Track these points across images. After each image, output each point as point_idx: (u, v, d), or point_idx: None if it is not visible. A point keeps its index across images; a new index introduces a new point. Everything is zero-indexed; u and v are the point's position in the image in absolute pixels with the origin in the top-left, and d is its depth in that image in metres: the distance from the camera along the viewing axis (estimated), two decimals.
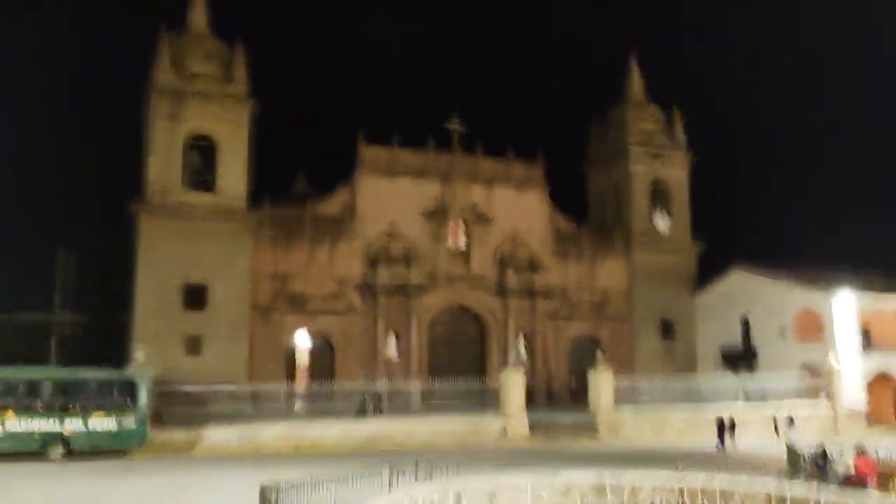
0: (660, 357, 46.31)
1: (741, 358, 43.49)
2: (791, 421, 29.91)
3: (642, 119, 49.68)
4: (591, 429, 31.01)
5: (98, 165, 60.31)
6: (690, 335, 47.72)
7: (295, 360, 39.04)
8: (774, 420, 31.05)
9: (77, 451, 22.36)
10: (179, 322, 35.65)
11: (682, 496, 9.50)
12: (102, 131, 66.05)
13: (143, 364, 25.31)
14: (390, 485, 10.53)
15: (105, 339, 44.15)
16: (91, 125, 71.19)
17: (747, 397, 35.09)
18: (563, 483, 9.64)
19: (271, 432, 26.56)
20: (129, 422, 22.78)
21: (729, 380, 37.11)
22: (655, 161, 48.92)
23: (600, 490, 9.64)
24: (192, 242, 36.24)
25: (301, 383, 35.92)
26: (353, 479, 10.42)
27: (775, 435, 30.14)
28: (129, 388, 23.14)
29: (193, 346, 35.76)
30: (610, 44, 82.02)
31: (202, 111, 37.46)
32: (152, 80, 37.00)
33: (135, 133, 41.75)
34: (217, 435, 25.82)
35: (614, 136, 50.50)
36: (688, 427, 32.54)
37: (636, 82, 51.46)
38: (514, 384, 30.28)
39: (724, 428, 28.68)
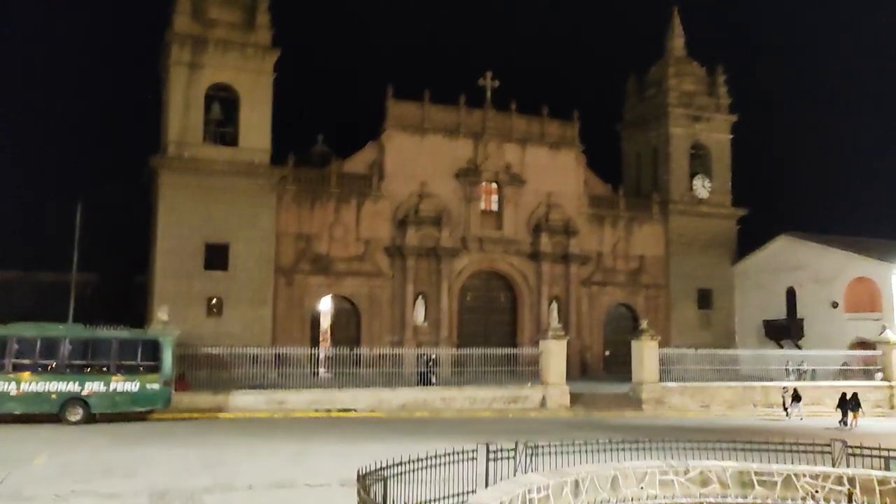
0: (696, 327, 44.72)
1: (786, 330, 41.76)
2: (797, 396, 28.48)
3: (683, 78, 47.35)
4: (635, 401, 29.63)
5: (116, 121, 58.95)
6: (728, 305, 46.04)
7: (319, 324, 37.89)
8: (783, 395, 29.53)
9: (97, 413, 21.18)
10: (200, 282, 34.32)
11: (853, 489, 7.91)
12: (120, 86, 64.34)
13: (165, 323, 24.00)
14: (487, 471, 9.01)
15: (123, 299, 43.18)
16: (109, 79, 69.50)
17: (800, 373, 33.46)
18: (697, 471, 8.11)
19: (300, 397, 25.37)
20: (153, 383, 21.52)
21: (775, 353, 35.44)
22: (696, 123, 46.73)
23: (745, 480, 8.09)
24: (213, 200, 34.76)
25: (326, 347, 34.70)
26: (442, 462, 8.88)
27: (785, 412, 28.72)
28: (153, 349, 21.85)
29: (215, 307, 34.49)
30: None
31: (223, 60, 35.67)
32: (171, 27, 35.21)
33: (154, 88, 40.22)
34: (244, 399, 24.64)
35: (653, 96, 48.29)
36: (737, 400, 31.18)
37: (678, 39, 48.97)
38: (555, 353, 28.84)
39: (848, 403, 26.90)
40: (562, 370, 28.89)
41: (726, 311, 45.96)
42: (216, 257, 34.72)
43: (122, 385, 21.18)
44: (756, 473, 8.32)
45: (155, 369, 21.67)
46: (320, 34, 69.24)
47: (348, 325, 37.73)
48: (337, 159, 38.80)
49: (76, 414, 20.75)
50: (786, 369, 33.48)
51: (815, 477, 8.32)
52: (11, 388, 20.24)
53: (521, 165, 41.49)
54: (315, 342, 36.53)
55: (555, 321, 31.08)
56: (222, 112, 36.18)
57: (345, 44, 72.95)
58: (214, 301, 34.52)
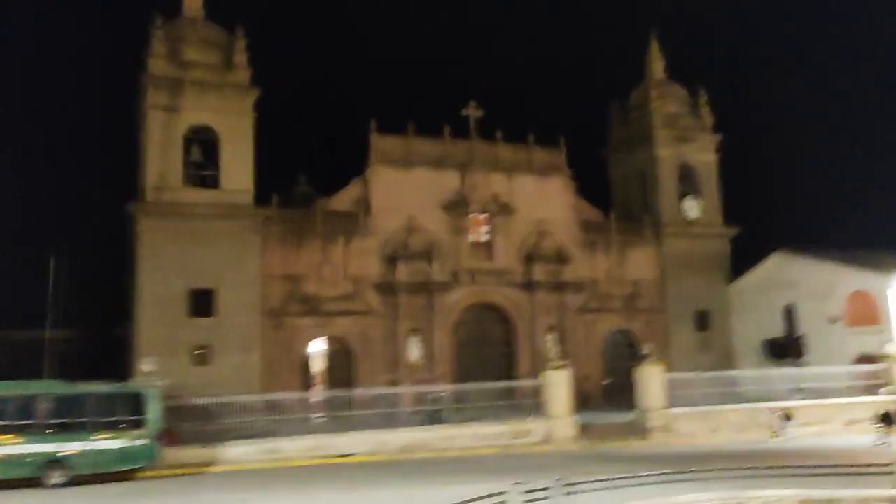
0: (696, 350, 43.90)
1: (787, 349, 41.04)
2: (787, 417, 27.64)
3: (666, 101, 47.36)
4: (641, 429, 28.62)
5: (89, 168, 57.92)
6: (727, 326, 45.34)
7: (310, 367, 36.73)
8: (771, 415, 28.56)
9: (79, 475, 19.88)
10: (186, 331, 33.17)
11: None
12: (93, 131, 63.48)
13: (150, 374, 22.83)
14: None
15: (104, 354, 41.71)
16: (82, 124, 68.64)
17: (803, 391, 32.63)
18: (759, 502, 7.26)
19: (295, 445, 24.17)
20: (138, 440, 20.29)
21: (781, 372, 34.61)
22: (682, 144, 46.55)
23: None
24: (196, 244, 33.81)
25: (319, 391, 33.55)
26: None
27: (770, 433, 27.80)
28: (137, 402, 20.68)
29: (201, 356, 33.28)
30: (628, 22, 79.73)
31: (201, 101, 35.06)
32: (146, 69, 34.60)
33: (129, 131, 39.45)
34: (236, 450, 23.42)
35: (637, 120, 48.24)
36: (745, 423, 30.18)
37: (657, 63, 49.14)
38: (557, 384, 27.88)
39: (890, 420, 25.82)
40: (565, 401, 27.91)
41: (725, 332, 45.24)
42: (201, 303, 33.65)
43: (105, 443, 19.96)
44: (829, 502, 7.45)
45: (140, 424, 20.48)
46: (298, 71, 69.07)
47: (341, 367, 36.54)
48: (321, 197, 37.95)
49: (55, 477, 19.44)
50: (790, 389, 32.62)
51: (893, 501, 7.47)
52: None
53: (510, 194, 40.93)
54: (308, 386, 35.41)
55: (552, 351, 30.18)
56: (202, 154, 35.45)
57: (324, 80, 72.75)
58: (201, 349, 33.34)
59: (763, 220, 53.91)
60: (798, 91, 77.75)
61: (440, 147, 40.07)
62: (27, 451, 19.28)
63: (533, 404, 28.80)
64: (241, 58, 36.28)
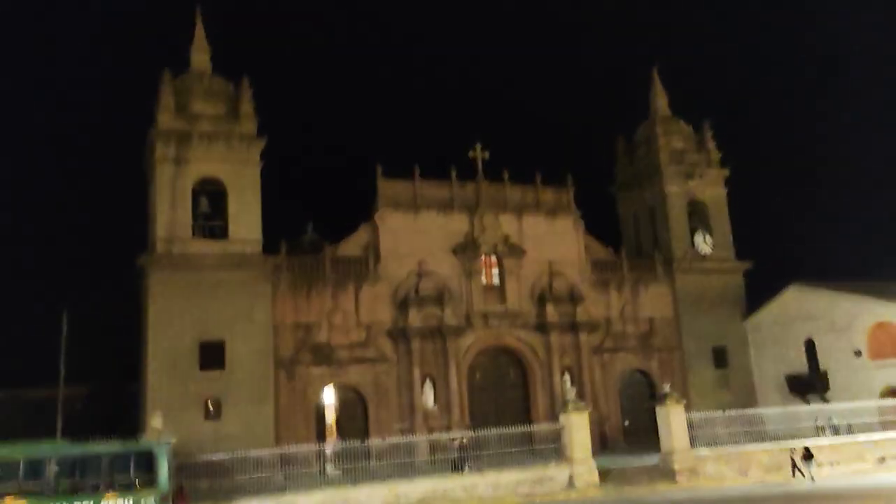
0: (715, 388, 43.03)
1: (811, 384, 40.11)
2: (808, 455, 26.49)
3: (672, 137, 47.39)
4: (667, 472, 27.68)
5: (99, 223, 58.10)
6: (745, 362, 44.49)
7: (324, 417, 36.03)
8: (791, 455, 27.40)
9: None
10: (196, 384, 32.68)
11: None
12: (101, 188, 63.99)
13: (160, 431, 22.30)
14: None
15: (116, 410, 41.13)
16: (93, 180, 69.20)
17: (836, 428, 31.76)
18: None
19: (311, 500, 23.42)
20: (148, 501, 19.67)
21: (808, 409, 33.75)
22: (690, 180, 46.39)
23: None
24: (205, 296, 33.55)
25: (333, 442, 32.78)
26: None
27: (792, 473, 26.71)
28: (147, 461, 20.11)
29: (213, 409, 32.71)
30: (630, 62, 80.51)
31: (209, 153, 35.21)
32: (155, 124, 34.83)
33: (138, 186, 39.63)
34: None
35: (643, 156, 48.25)
36: (773, 464, 29.18)
37: (660, 99, 49.36)
38: (577, 427, 27.12)
39: None
40: (586, 445, 27.12)
41: (744, 369, 44.38)
42: (212, 356, 33.22)
43: None
44: None
45: (151, 483, 19.88)
46: (302, 119, 69.83)
47: (355, 416, 35.88)
48: (330, 244, 37.71)
49: None
50: (819, 426, 31.76)
51: None
52: None
53: (520, 235, 40.69)
54: (321, 436, 34.69)
55: (569, 393, 29.43)
56: (210, 205, 35.44)
57: (328, 128, 73.52)
58: (212, 402, 32.80)
59: (775, 253, 53.46)
60: (803, 122, 77.99)
61: (447, 190, 40.00)
62: None
63: (552, 449, 28.07)
64: (247, 108, 36.55)
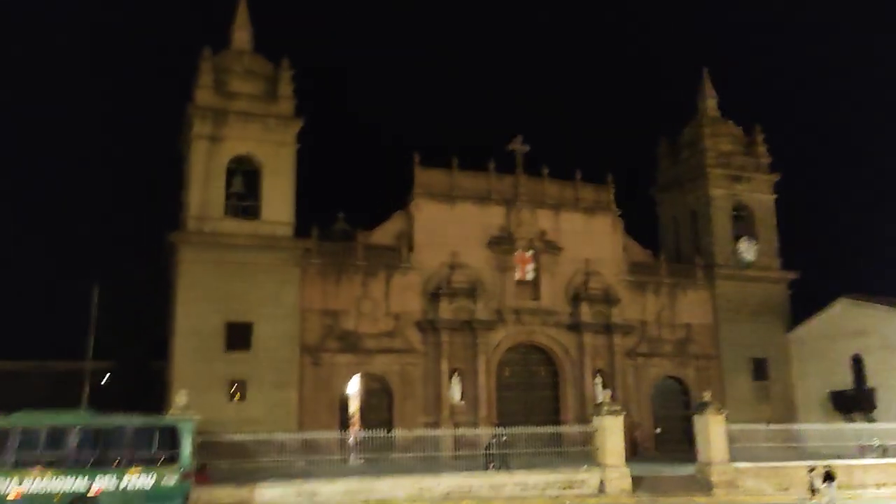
0: (753, 400, 41.77)
1: (856, 402, 38.70)
2: (829, 476, 24.62)
3: (720, 139, 46.12)
4: (704, 484, 26.69)
5: (132, 200, 58.48)
6: (786, 376, 43.13)
7: (347, 406, 35.61)
8: (809, 475, 25.52)
9: None
10: (222, 365, 32.43)
11: None
12: (136, 164, 64.34)
13: (185, 408, 21.97)
14: None
15: (141, 386, 41.17)
16: (124, 157, 69.71)
17: (884, 449, 30.47)
18: None
19: (334, 488, 22.91)
20: (170, 478, 19.27)
21: (853, 427, 32.44)
22: (737, 184, 45.13)
23: None
24: (234, 276, 33.30)
25: (356, 432, 32.35)
26: None
27: (809, 495, 24.94)
28: (171, 437, 19.71)
29: (237, 391, 32.45)
30: (679, 61, 78.89)
31: (245, 131, 34.95)
32: (193, 100, 34.65)
33: (172, 164, 39.58)
34: (271, 492, 22.24)
35: (687, 158, 47.04)
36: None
37: (710, 100, 48.13)
38: (611, 431, 26.25)
39: None
40: (620, 450, 26.24)
41: (784, 382, 43.02)
42: (238, 337, 32.96)
43: (136, 481, 18.95)
44: None
45: (173, 460, 19.49)
46: (339, 105, 69.53)
47: (379, 407, 35.38)
48: (362, 230, 37.18)
49: None
50: (863, 446, 30.50)
51: None
52: (11, 489, 18.09)
53: (557, 232, 39.84)
54: (344, 426, 34.26)
55: (603, 395, 28.56)
56: (244, 185, 35.21)
57: (366, 114, 73.13)
58: (236, 384, 32.52)
59: (824, 266, 51.85)
60: (857, 131, 75.61)
61: (485, 182, 39.30)
62: (53, 488, 18.37)
63: (582, 452, 27.31)
64: (286, 89, 36.22)
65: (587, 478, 25.67)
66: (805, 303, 43.95)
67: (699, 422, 27.73)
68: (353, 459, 29.62)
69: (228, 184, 34.68)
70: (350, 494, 22.97)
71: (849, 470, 28.81)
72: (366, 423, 34.19)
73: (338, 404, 34.50)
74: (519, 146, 40.20)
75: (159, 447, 19.51)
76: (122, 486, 18.81)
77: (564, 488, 25.21)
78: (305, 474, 23.70)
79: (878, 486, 28.74)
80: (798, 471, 28.06)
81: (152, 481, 19.08)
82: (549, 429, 27.21)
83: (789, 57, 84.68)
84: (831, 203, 67.75)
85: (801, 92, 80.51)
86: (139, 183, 60.71)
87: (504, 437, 26.31)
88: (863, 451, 30.33)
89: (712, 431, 27.18)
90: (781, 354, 43.32)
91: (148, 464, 19.21)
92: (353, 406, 35.76)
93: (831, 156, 73.74)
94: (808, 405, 41.52)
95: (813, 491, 24.66)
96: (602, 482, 25.64)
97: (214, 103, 34.77)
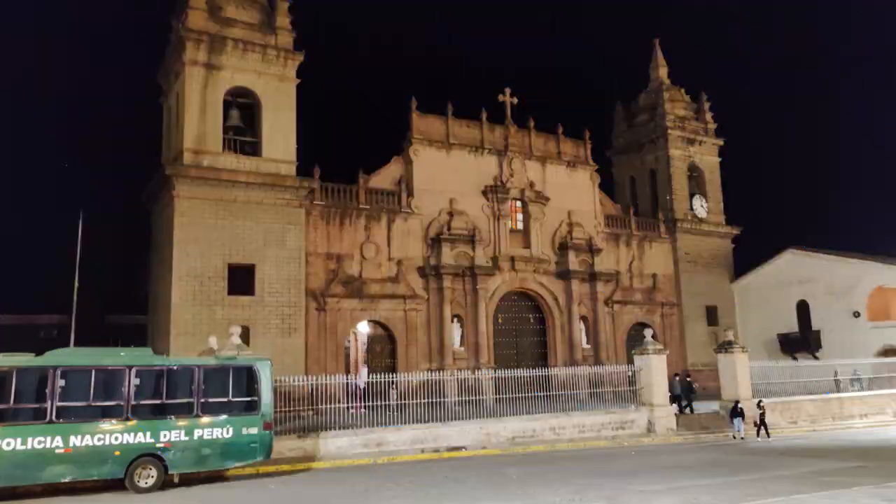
0: (707, 344, 40.62)
1: (803, 343, 38.37)
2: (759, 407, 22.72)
3: (675, 104, 44.58)
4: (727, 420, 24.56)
5: (111, 138, 49.68)
6: (732, 322, 42.40)
7: (349, 353, 31.06)
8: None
9: (180, 474, 13.99)
10: (224, 309, 27.03)
11: None
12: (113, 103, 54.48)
13: (239, 347, 17.07)
14: None
15: (94, 343, 34.46)
16: (107, 95, 59.51)
17: (861, 382, 29.75)
18: None
19: (401, 436, 18.84)
20: (252, 426, 14.54)
21: (832, 364, 31.55)
22: (690, 146, 43.86)
23: None
24: (236, 215, 27.81)
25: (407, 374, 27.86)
26: None
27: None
28: (248, 379, 14.91)
29: (241, 337, 27.02)
30: (627, 32, 76.43)
31: (242, 62, 29.14)
32: (184, 23, 28.40)
33: (152, 101, 32.93)
34: (338, 442, 17.89)
35: (645, 122, 45.19)
36: (819, 414, 26.83)
37: (662, 69, 46.29)
38: (657, 370, 23.56)
39: None
40: (665, 390, 23.66)
41: (731, 328, 42.20)
42: (241, 280, 27.60)
43: (212, 431, 14.11)
44: None
45: (251, 407, 14.72)
46: (333, 50, 62.40)
47: (382, 353, 31.10)
48: (363, 173, 32.36)
49: (150, 477, 13.49)
50: (850, 379, 29.65)
51: None
52: (57, 445, 12.83)
53: (543, 183, 36.67)
54: (346, 372, 29.69)
55: (650, 334, 25.16)
56: (242, 120, 29.43)
57: (359, 59, 66.23)
58: (240, 330, 27.09)
59: (774, 224, 51.47)
60: (797, 95, 75.35)
61: (478, 130, 35.39)
62: (112, 443, 13.26)
63: (620, 392, 24.54)
64: (283, 20, 30.58)
65: (636, 418, 22.93)
66: (749, 256, 43.55)
67: (725, 360, 25.60)
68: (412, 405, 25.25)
69: (226, 117, 28.84)
70: (417, 443, 18.97)
71: (840, 403, 27.86)
72: (370, 369, 29.79)
73: (343, 351, 29.92)
74: (508, 98, 36.54)
75: (235, 393, 14.69)
76: (195, 438, 13.90)
77: (618, 429, 22.33)
78: (364, 423, 19.31)
79: (861, 416, 27.98)
80: (804, 405, 26.82)
81: (230, 432, 14.28)
82: (591, 369, 24.13)
83: (733, 28, 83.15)
84: (774, 167, 67.74)
85: (744, 59, 79.89)
86: (117, 125, 51.70)
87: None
88: (849, 384, 29.42)
89: (739, 370, 25.13)
90: (728, 302, 42.68)
91: (223, 410, 14.36)
92: (354, 352, 31.23)
93: (775, 121, 73.24)
94: (753, 348, 40.73)
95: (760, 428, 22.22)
96: (650, 421, 22.96)
97: (208, 28, 28.70)
